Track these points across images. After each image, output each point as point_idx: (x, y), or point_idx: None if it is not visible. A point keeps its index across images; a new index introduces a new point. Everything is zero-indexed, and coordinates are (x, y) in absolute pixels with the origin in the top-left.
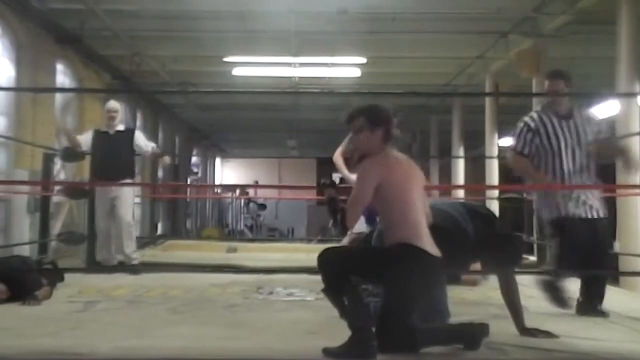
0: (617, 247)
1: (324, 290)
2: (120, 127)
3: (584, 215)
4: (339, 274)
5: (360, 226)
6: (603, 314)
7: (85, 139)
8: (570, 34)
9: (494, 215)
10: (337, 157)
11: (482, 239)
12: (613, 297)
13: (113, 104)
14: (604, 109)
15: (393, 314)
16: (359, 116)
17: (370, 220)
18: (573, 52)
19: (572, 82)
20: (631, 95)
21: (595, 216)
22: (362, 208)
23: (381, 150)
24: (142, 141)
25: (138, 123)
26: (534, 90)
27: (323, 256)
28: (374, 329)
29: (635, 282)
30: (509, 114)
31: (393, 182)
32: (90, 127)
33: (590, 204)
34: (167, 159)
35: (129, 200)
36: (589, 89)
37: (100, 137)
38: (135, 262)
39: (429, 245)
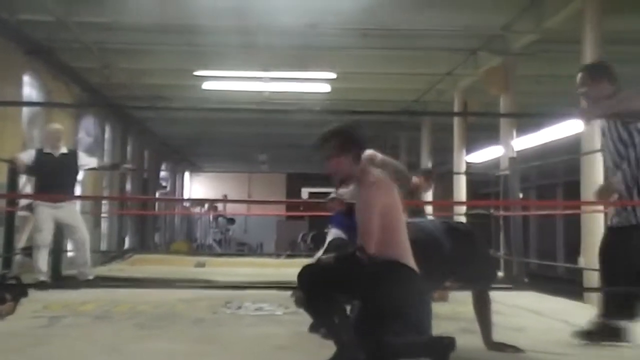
0: (581, 262)
1: (308, 307)
2: (64, 150)
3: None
4: (322, 290)
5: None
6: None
7: (28, 157)
8: (538, 52)
9: (474, 233)
10: None
11: (460, 256)
12: (577, 312)
13: (56, 126)
14: (570, 127)
15: (370, 328)
16: (327, 143)
17: (338, 222)
18: (540, 70)
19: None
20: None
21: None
22: (374, 235)
23: (354, 171)
24: (85, 159)
25: (107, 136)
26: (501, 107)
27: (304, 273)
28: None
29: (598, 297)
30: (477, 131)
31: (389, 204)
32: None
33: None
34: (127, 166)
35: (76, 218)
36: (556, 107)
37: (45, 158)
38: (89, 277)
39: (414, 263)
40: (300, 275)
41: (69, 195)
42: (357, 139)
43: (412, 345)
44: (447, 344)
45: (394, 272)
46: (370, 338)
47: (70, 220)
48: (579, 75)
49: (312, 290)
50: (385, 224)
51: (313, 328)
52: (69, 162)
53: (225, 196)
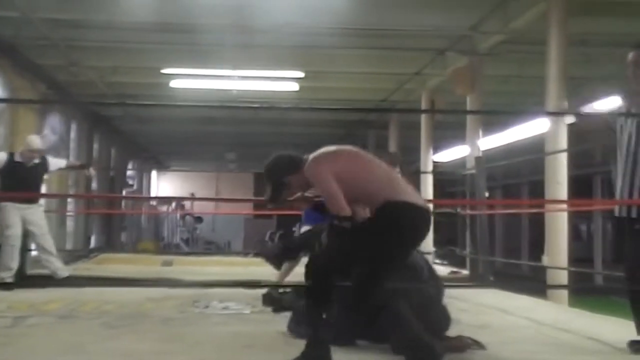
0: (545, 260)
1: (309, 297)
2: (36, 160)
3: None
4: (328, 277)
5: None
6: None
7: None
8: (505, 52)
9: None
10: None
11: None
12: (541, 310)
13: (37, 144)
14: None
15: (374, 274)
16: (270, 191)
17: (310, 218)
18: (507, 71)
19: None
20: (559, 113)
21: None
22: (341, 198)
23: (303, 178)
24: (55, 164)
25: (73, 135)
26: (468, 107)
27: (313, 264)
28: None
29: (562, 294)
30: (444, 130)
31: (342, 166)
32: (22, 138)
33: None
34: (91, 171)
35: (41, 223)
36: (523, 106)
37: (16, 167)
38: (63, 275)
39: (414, 197)
40: (309, 266)
41: (36, 198)
42: (276, 167)
43: (412, 330)
44: (436, 354)
45: (386, 210)
46: (375, 287)
47: (35, 224)
48: (635, 52)
49: (320, 281)
50: (351, 183)
51: (291, 328)
52: (39, 172)
53: (193, 195)
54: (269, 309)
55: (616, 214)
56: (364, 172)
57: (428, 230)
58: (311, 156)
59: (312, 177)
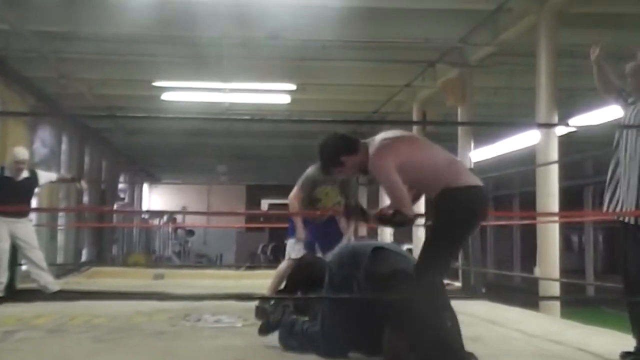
0: (537, 272)
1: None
2: (25, 174)
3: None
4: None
5: (299, 252)
6: None
7: None
8: (494, 64)
9: None
10: (293, 200)
11: None
12: (532, 321)
13: (23, 154)
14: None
15: (437, 259)
16: (325, 169)
17: (309, 246)
18: (497, 82)
19: None
20: (550, 125)
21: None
22: (405, 193)
23: (361, 162)
24: (45, 177)
25: (63, 147)
26: (459, 119)
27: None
28: None
29: (554, 306)
30: (435, 142)
31: (404, 154)
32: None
33: None
34: (83, 184)
35: (31, 237)
36: (513, 118)
37: (5, 182)
38: (53, 289)
39: (472, 178)
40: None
41: (25, 212)
42: (333, 144)
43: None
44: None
45: (448, 197)
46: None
47: (24, 238)
48: (633, 63)
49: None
50: (411, 170)
51: (262, 331)
52: (29, 186)
53: (185, 208)
54: (261, 321)
55: (624, 219)
56: (424, 159)
57: (488, 208)
58: (373, 147)
59: (376, 170)
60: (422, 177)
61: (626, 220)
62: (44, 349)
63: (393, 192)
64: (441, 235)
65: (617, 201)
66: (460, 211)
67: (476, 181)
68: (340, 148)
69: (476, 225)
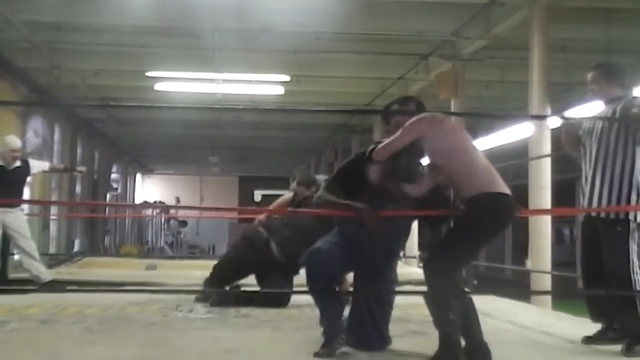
0: (528, 264)
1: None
2: (17, 163)
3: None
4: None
5: None
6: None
7: None
8: (487, 58)
9: None
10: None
11: None
12: (523, 313)
13: (16, 143)
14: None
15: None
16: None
17: None
18: (490, 76)
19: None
20: (542, 117)
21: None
22: (391, 151)
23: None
24: (38, 166)
25: (56, 137)
26: (452, 111)
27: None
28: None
29: (545, 298)
30: None
31: (446, 140)
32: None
33: None
34: (81, 169)
35: (23, 226)
36: (505, 111)
37: None
38: (46, 279)
39: (503, 186)
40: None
41: (18, 200)
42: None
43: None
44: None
45: (482, 202)
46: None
47: (16, 228)
48: (592, 72)
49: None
50: (448, 164)
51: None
52: (21, 175)
53: (177, 198)
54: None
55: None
56: (469, 155)
57: (514, 216)
58: (433, 113)
59: (404, 123)
60: (460, 173)
61: (602, 215)
62: (35, 339)
63: (386, 145)
64: (467, 235)
65: (598, 198)
66: (492, 217)
67: (507, 190)
68: (398, 102)
69: (501, 232)
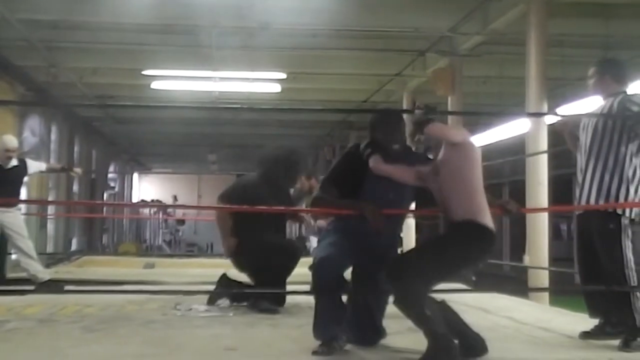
0: (526, 260)
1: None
2: (15, 162)
3: None
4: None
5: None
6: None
7: None
8: (484, 53)
9: None
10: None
11: None
12: (522, 309)
13: (13, 143)
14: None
15: (416, 265)
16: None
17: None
18: (487, 72)
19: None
20: (540, 114)
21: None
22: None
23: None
24: (35, 167)
25: (53, 137)
26: (449, 108)
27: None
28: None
29: (543, 294)
30: None
31: (463, 155)
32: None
33: None
34: (77, 170)
35: (20, 226)
36: (503, 107)
37: None
38: (43, 279)
39: (489, 218)
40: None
41: (15, 200)
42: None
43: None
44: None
45: (466, 231)
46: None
47: (13, 228)
48: (592, 68)
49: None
50: (450, 181)
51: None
52: (18, 174)
53: (175, 196)
54: (217, 307)
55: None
56: (472, 186)
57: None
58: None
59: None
60: (457, 194)
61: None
62: (34, 339)
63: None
64: (445, 256)
65: (587, 193)
66: (476, 249)
67: (492, 223)
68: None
69: (474, 265)
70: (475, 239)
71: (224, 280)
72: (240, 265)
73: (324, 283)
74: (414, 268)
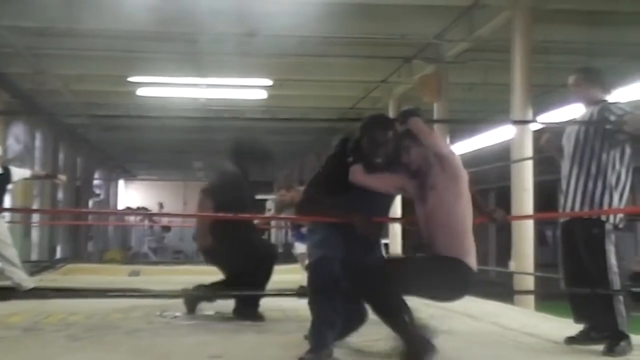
0: (512, 266)
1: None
2: None
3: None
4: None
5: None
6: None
7: None
8: (470, 60)
9: None
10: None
11: None
12: (507, 314)
13: None
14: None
15: (402, 280)
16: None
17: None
18: (473, 78)
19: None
20: (525, 122)
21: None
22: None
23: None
24: (19, 174)
25: (37, 144)
26: (434, 115)
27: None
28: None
29: (528, 299)
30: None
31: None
32: None
33: None
34: (62, 178)
35: (1, 233)
36: (488, 114)
37: None
38: (28, 286)
39: (473, 257)
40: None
41: None
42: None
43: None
44: (425, 346)
45: (449, 267)
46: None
47: None
48: (574, 76)
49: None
50: (439, 208)
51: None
52: (2, 182)
53: (161, 204)
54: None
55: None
56: (466, 206)
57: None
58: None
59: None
60: (448, 227)
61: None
62: (19, 348)
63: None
64: (430, 283)
65: (572, 200)
66: (459, 289)
67: (475, 263)
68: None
69: (450, 300)
70: (460, 281)
71: (201, 288)
72: (214, 261)
73: (322, 283)
74: (394, 283)
